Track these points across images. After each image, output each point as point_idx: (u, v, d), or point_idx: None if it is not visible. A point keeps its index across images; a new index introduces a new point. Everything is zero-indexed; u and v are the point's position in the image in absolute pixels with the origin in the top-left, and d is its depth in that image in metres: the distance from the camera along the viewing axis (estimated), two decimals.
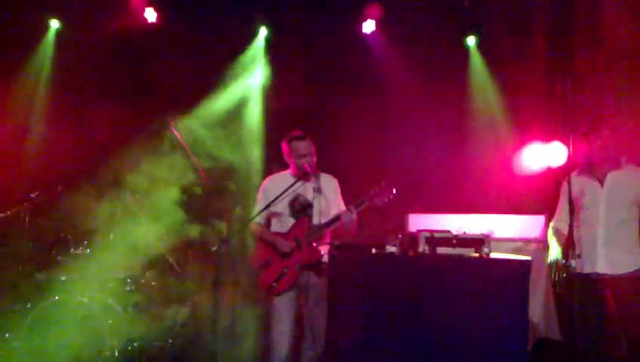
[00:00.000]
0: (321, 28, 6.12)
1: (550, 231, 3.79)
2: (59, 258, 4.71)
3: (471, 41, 6.25)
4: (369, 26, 6.22)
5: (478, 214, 5.04)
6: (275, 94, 6.12)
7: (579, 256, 3.43)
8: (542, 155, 5.61)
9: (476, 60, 6.26)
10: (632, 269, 3.52)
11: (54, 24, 6.09)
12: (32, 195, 4.85)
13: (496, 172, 5.96)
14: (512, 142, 5.87)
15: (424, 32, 6.22)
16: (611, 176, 3.66)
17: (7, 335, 4.71)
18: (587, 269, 3.57)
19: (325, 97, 6.25)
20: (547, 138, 5.61)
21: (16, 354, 4.48)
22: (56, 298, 4.48)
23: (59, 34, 6.10)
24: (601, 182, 3.66)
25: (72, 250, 4.70)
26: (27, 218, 4.80)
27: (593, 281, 3.57)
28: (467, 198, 5.88)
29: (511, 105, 6.00)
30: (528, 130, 5.80)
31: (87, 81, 6.02)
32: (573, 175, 3.64)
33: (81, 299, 4.49)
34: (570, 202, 3.44)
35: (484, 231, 3.64)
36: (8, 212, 4.84)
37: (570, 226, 3.45)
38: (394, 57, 6.14)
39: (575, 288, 3.45)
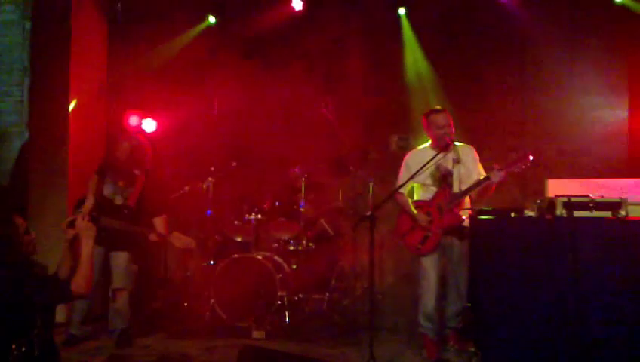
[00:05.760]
0: None
1: None
2: (235, 222, 5.58)
3: None
4: None
5: (621, 179, 5.02)
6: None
7: None
8: None
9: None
10: None
11: (211, 19, 6.68)
12: (211, 169, 5.77)
13: None
14: None
15: None
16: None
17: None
18: None
19: (459, 67, 6.41)
20: None
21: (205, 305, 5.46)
22: (235, 256, 5.36)
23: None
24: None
25: (245, 215, 5.54)
26: (210, 189, 5.72)
27: None
28: (609, 163, 5.84)
29: None
30: None
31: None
32: None
33: (255, 256, 5.33)
34: None
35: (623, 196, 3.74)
36: (188, 187, 5.81)
37: None
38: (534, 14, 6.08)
39: None
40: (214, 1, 6.73)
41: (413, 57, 6.36)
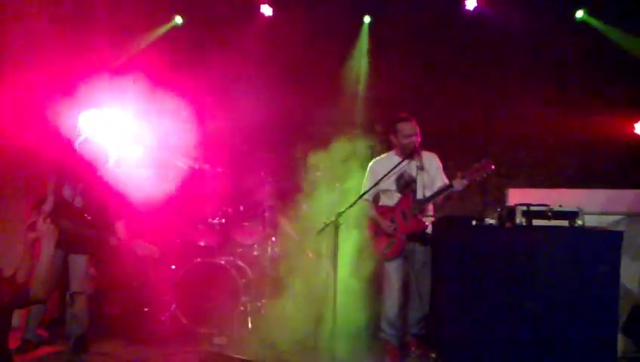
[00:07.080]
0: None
1: None
2: (199, 226, 5.51)
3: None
4: (472, 2, 6.28)
5: (580, 189, 5.19)
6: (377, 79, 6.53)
7: None
8: None
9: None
10: None
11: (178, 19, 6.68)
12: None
13: (602, 145, 6.04)
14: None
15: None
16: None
17: None
18: None
19: (427, 78, 6.50)
20: None
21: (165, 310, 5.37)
22: (198, 260, 5.28)
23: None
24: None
25: (209, 219, 5.47)
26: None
27: None
28: (571, 173, 6.03)
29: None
30: None
31: None
32: None
33: (219, 261, 5.27)
34: None
35: (581, 205, 3.86)
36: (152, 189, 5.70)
37: None
38: (497, 28, 6.22)
39: None
40: (183, 2, 6.68)
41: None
